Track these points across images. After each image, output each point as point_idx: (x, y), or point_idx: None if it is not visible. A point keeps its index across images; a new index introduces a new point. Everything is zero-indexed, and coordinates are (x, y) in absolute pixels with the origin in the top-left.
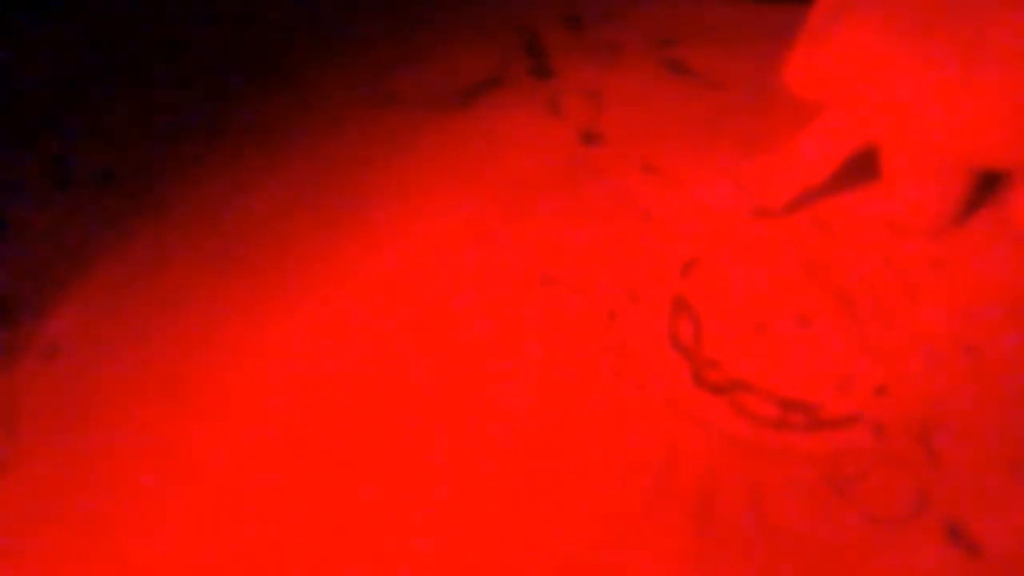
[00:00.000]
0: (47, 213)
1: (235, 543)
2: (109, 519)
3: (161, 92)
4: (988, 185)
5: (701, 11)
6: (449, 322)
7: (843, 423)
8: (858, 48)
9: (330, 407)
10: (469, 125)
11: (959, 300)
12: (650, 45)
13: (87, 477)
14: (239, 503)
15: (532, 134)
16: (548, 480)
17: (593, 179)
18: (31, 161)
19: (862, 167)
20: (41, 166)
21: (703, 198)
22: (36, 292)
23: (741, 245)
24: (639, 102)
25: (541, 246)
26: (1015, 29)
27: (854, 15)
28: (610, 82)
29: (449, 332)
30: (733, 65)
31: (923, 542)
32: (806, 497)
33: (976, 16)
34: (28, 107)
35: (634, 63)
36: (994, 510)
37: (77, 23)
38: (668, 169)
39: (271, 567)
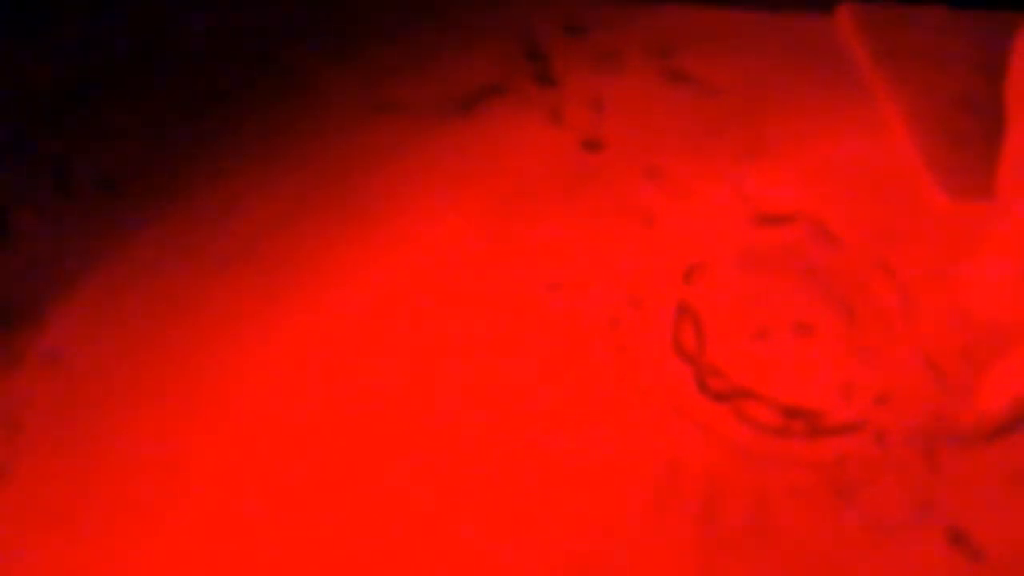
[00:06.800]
0: (49, 220)
1: (233, 550)
2: (108, 526)
3: (162, 98)
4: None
5: (700, 19)
6: (452, 329)
7: (845, 430)
8: None
9: (332, 413)
10: (471, 132)
11: (958, 310)
12: (650, 53)
13: (87, 485)
14: (238, 510)
15: (534, 141)
16: (550, 486)
17: (595, 185)
18: (34, 167)
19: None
20: (43, 172)
21: (705, 203)
22: (37, 298)
23: (743, 251)
24: (640, 109)
25: (544, 252)
26: None
27: None
28: (611, 89)
29: (452, 339)
30: (732, 72)
31: (925, 547)
32: (808, 503)
33: None
34: (30, 114)
35: (635, 71)
36: (995, 517)
37: (78, 29)
38: (669, 175)
39: (271, 573)
